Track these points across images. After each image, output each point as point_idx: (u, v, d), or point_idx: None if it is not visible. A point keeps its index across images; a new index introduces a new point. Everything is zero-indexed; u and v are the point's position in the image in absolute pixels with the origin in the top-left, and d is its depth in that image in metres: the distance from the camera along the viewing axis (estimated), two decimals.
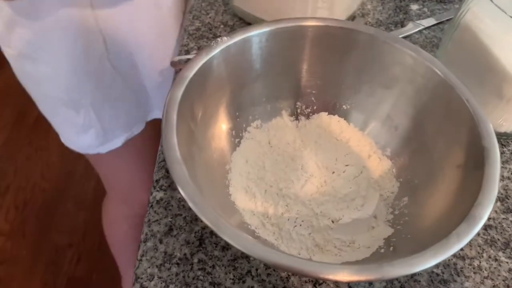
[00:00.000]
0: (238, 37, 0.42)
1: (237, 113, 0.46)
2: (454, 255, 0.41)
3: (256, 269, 0.39)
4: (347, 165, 0.44)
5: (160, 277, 0.39)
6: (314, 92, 0.48)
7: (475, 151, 0.36)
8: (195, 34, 0.62)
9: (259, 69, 0.45)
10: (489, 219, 0.44)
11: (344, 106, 0.48)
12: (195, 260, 0.40)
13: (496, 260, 0.41)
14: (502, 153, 0.50)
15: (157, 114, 0.74)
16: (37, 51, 0.56)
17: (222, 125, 0.44)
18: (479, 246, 0.42)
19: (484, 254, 0.41)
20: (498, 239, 0.43)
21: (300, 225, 0.40)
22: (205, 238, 0.41)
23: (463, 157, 0.38)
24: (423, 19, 0.66)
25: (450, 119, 0.40)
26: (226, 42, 0.41)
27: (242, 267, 0.39)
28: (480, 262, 0.41)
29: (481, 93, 0.45)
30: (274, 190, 0.43)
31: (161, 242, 0.41)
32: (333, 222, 0.40)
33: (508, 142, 0.51)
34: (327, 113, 0.48)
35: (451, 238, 0.29)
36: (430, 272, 0.40)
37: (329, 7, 0.54)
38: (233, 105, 0.45)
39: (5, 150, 1.56)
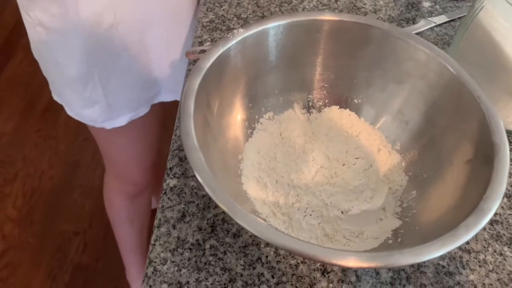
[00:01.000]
0: (254, 29, 0.42)
1: (250, 105, 0.47)
2: (460, 248, 0.42)
3: (266, 256, 0.40)
4: (357, 158, 0.45)
5: (173, 261, 0.40)
6: (326, 85, 0.49)
7: (484, 146, 0.37)
8: (209, 26, 0.63)
9: (273, 62, 0.46)
10: (495, 214, 0.45)
11: (355, 100, 0.48)
12: (207, 246, 0.41)
13: (501, 254, 0.42)
14: (511, 150, 0.50)
15: (163, 97, 0.75)
16: (53, 20, 0.58)
17: (236, 116, 0.45)
18: (485, 241, 0.43)
19: (490, 248, 0.42)
20: (504, 234, 0.43)
21: (310, 215, 0.41)
22: (217, 225, 0.42)
23: (472, 152, 0.38)
24: (435, 16, 0.67)
25: (460, 115, 0.40)
26: (243, 34, 0.42)
27: (252, 253, 0.41)
28: (485, 256, 0.42)
29: (491, 91, 0.46)
30: (285, 180, 0.44)
31: (174, 227, 0.42)
32: (342, 213, 0.41)
33: None
34: (338, 107, 0.49)
35: (459, 229, 0.30)
36: (436, 264, 0.41)
37: None
38: (247, 97, 0.46)
39: (13, 138, 1.58)
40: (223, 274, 0.39)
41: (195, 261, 0.40)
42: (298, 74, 0.48)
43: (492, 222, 0.44)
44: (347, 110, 0.49)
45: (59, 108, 0.73)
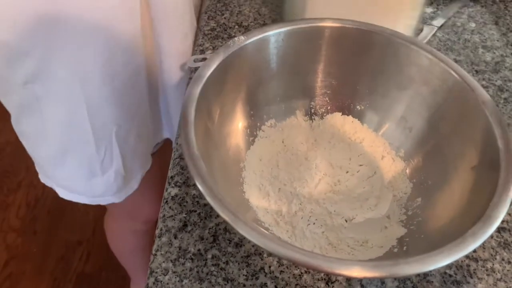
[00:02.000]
0: (255, 37, 0.42)
1: (252, 112, 0.46)
2: (467, 257, 0.41)
3: (269, 266, 0.40)
4: (361, 165, 0.45)
5: (174, 272, 0.39)
6: (328, 92, 0.48)
7: (490, 152, 0.36)
8: (210, 34, 0.63)
9: (274, 69, 0.45)
10: (502, 221, 0.44)
11: (358, 107, 0.48)
12: (209, 256, 0.40)
13: (509, 262, 0.41)
14: None
15: (165, 134, 0.70)
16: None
17: (237, 124, 0.45)
18: (492, 248, 0.42)
19: (497, 257, 0.41)
20: None
21: (314, 223, 0.41)
22: (219, 235, 0.42)
23: (477, 158, 0.38)
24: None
25: (465, 121, 0.40)
26: (243, 42, 0.42)
27: (255, 263, 0.40)
28: (493, 264, 0.41)
29: None
30: (288, 188, 0.43)
31: (175, 237, 0.41)
32: (346, 221, 0.41)
33: None
34: (341, 113, 0.49)
35: (466, 237, 0.30)
36: (443, 273, 0.40)
37: None
38: (248, 104, 0.46)
39: (17, 147, 1.58)
40: (225, 284, 0.39)
41: (197, 271, 0.39)
42: (300, 81, 0.47)
43: (499, 230, 0.43)
44: (350, 116, 0.48)
45: None
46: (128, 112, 0.56)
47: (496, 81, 0.58)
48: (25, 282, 1.25)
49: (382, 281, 0.39)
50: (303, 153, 0.46)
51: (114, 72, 0.51)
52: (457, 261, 0.41)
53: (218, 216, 0.43)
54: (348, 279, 0.39)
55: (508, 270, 0.40)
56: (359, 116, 0.48)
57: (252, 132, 0.47)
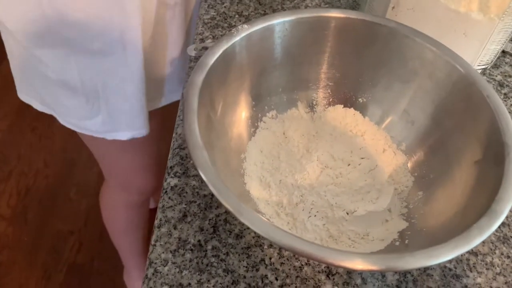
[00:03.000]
0: (259, 25, 0.42)
1: (254, 103, 0.46)
2: (467, 251, 0.41)
3: (270, 258, 0.39)
4: (362, 158, 0.44)
5: (174, 263, 0.39)
6: (331, 84, 0.48)
7: (494, 147, 0.36)
8: (210, 23, 0.62)
9: (277, 59, 0.45)
10: None
11: (360, 100, 0.48)
12: (209, 247, 0.40)
13: (508, 257, 0.41)
14: None
15: (165, 100, 0.73)
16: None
17: (239, 114, 0.44)
18: (492, 243, 0.42)
19: (497, 251, 0.41)
20: (511, 237, 0.43)
21: (315, 215, 0.40)
22: (219, 226, 0.41)
23: (481, 153, 0.37)
24: None
25: (469, 115, 0.40)
26: (247, 30, 0.41)
27: (255, 255, 0.40)
28: (492, 258, 0.41)
29: None
30: (289, 180, 0.43)
31: (175, 228, 0.41)
32: (347, 214, 0.41)
33: None
34: (342, 106, 0.48)
35: (472, 231, 0.29)
36: (442, 267, 0.40)
37: None
38: (250, 94, 0.45)
39: (8, 136, 1.56)
40: (225, 276, 0.38)
41: (197, 263, 0.39)
42: (303, 72, 0.47)
43: (499, 225, 0.43)
44: (352, 109, 0.48)
45: None
46: (114, 73, 0.59)
47: (496, 76, 0.58)
48: (16, 272, 1.23)
49: (382, 274, 0.39)
50: (304, 145, 0.46)
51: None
52: (464, 252, 0.41)
53: (218, 207, 0.42)
54: (349, 272, 0.39)
55: (507, 265, 0.40)
56: (361, 109, 0.48)
57: (253, 123, 0.46)
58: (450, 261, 0.40)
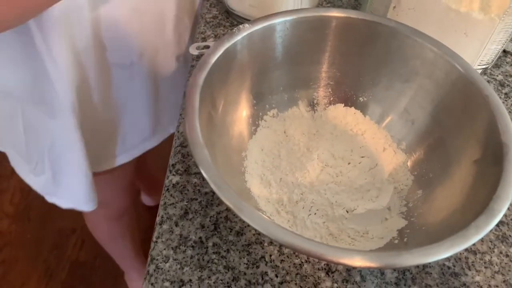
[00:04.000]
0: (260, 25, 0.42)
1: (255, 101, 0.46)
2: (466, 249, 0.42)
3: (270, 255, 0.40)
4: (362, 157, 0.45)
5: (175, 259, 0.39)
6: (331, 83, 0.48)
7: (493, 146, 0.36)
8: (212, 22, 0.62)
9: (279, 58, 0.45)
10: None
11: (361, 99, 0.48)
12: (210, 244, 0.40)
13: (507, 255, 0.41)
14: None
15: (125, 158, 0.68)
16: None
17: (240, 113, 0.45)
18: (491, 242, 0.42)
19: (496, 250, 0.42)
20: (510, 235, 0.43)
21: (315, 213, 0.41)
22: (220, 223, 0.42)
23: (480, 152, 0.38)
24: None
25: (468, 114, 0.40)
26: (248, 29, 0.41)
27: (256, 252, 0.40)
28: (491, 257, 0.41)
29: None
30: (289, 178, 0.43)
31: (176, 225, 0.41)
32: (347, 212, 0.41)
33: None
34: (343, 105, 0.49)
35: (470, 229, 0.30)
36: (441, 265, 0.40)
37: None
38: (251, 93, 0.45)
39: None
40: (226, 272, 0.39)
41: (198, 259, 0.39)
42: (303, 71, 0.47)
43: (498, 223, 0.44)
44: (352, 108, 0.48)
45: None
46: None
47: (497, 76, 0.59)
48: (18, 269, 1.24)
49: (381, 272, 0.40)
50: (305, 143, 0.46)
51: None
52: (455, 253, 0.41)
53: (219, 204, 0.43)
54: (348, 269, 0.40)
55: (506, 263, 0.41)
56: (362, 108, 0.48)
57: (254, 122, 0.46)
58: (449, 259, 0.41)
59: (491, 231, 0.43)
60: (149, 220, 1.19)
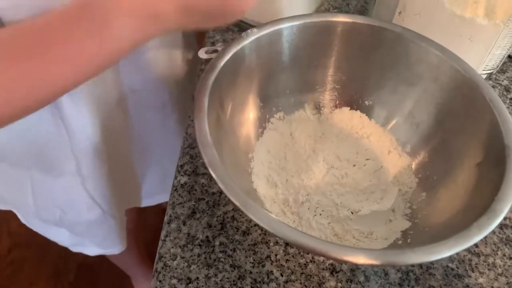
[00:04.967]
0: (267, 29, 0.43)
1: (262, 104, 0.47)
2: (469, 251, 0.42)
3: (276, 255, 0.41)
4: (367, 159, 0.45)
5: (182, 257, 0.40)
6: (337, 87, 0.49)
7: (496, 149, 0.37)
8: (221, 26, 0.63)
9: (286, 62, 0.46)
10: (505, 218, 0.45)
11: (366, 102, 0.49)
12: (217, 243, 0.41)
13: (510, 258, 0.42)
14: None
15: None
16: None
17: (247, 115, 0.46)
18: (494, 244, 0.43)
19: (499, 252, 0.42)
20: None
21: (320, 214, 0.42)
22: (226, 223, 0.43)
23: (483, 155, 0.38)
24: None
25: (472, 118, 0.41)
26: (256, 34, 0.42)
27: (262, 251, 0.41)
28: (494, 259, 0.42)
29: None
30: (295, 180, 0.44)
31: (184, 224, 0.42)
32: (352, 213, 0.42)
33: None
34: (349, 108, 0.49)
35: (472, 229, 0.30)
36: (445, 267, 0.41)
37: None
38: (258, 96, 0.46)
39: None
40: (232, 271, 0.39)
41: (205, 258, 0.40)
42: (310, 75, 0.48)
43: (501, 226, 0.44)
44: (358, 111, 0.49)
45: None
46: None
47: (502, 81, 0.59)
48: (27, 270, 1.26)
49: (385, 272, 0.40)
50: (311, 146, 0.47)
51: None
52: (459, 255, 0.42)
53: (226, 204, 0.44)
54: (352, 269, 0.40)
55: (509, 266, 0.41)
56: (367, 111, 0.49)
57: (261, 124, 0.47)
58: (452, 261, 0.41)
59: (494, 233, 0.43)
60: (153, 219, 1.20)
